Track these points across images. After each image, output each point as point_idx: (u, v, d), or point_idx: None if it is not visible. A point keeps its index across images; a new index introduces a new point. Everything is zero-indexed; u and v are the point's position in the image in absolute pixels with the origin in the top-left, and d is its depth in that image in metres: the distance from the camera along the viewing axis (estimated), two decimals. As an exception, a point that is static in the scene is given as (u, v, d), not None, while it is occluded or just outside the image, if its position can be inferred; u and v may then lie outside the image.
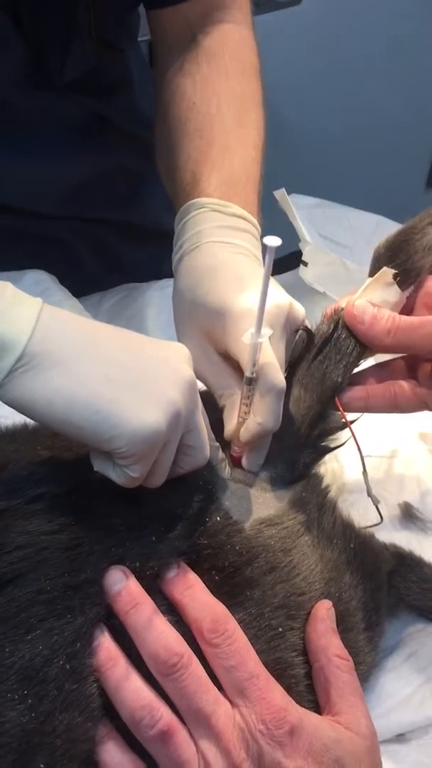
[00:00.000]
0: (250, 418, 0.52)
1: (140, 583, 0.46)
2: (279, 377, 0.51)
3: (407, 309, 0.58)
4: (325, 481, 0.58)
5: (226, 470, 0.54)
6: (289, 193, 0.91)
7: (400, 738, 0.54)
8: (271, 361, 0.51)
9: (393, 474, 0.70)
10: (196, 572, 0.47)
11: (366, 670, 0.53)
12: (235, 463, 0.55)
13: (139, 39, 0.92)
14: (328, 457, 0.65)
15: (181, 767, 0.42)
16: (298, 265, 0.87)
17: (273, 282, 0.50)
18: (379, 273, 0.57)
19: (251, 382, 0.51)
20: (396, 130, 1.93)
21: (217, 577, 0.48)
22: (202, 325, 0.56)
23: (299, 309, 0.56)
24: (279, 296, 0.54)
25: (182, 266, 0.60)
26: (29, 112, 0.79)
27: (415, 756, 0.53)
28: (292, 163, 1.51)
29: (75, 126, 0.84)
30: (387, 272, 0.56)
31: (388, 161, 1.93)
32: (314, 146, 1.86)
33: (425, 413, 0.74)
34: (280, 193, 0.88)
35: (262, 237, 0.65)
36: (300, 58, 1.73)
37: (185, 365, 0.47)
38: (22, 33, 0.72)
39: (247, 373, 0.51)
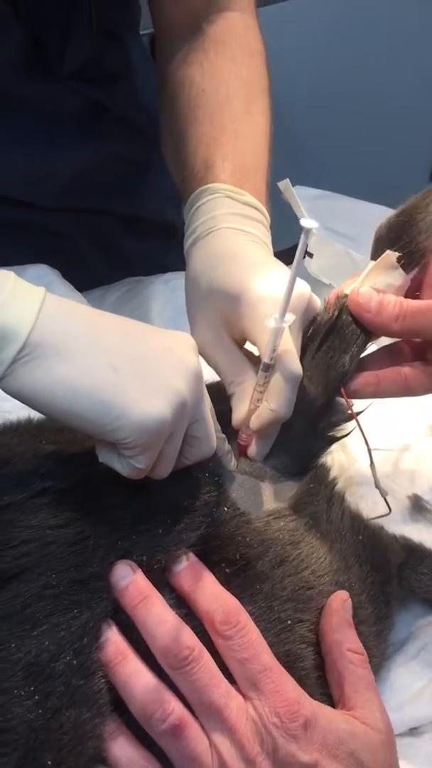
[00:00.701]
0: (263, 405, 0.52)
1: (148, 577, 0.45)
2: (297, 365, 0.51)
3: (413, 290, 0.57)
4: (333, 473, 0.57)
5: (232, 462, 0.53)
6: (292, 184, 0.90)
7: (413, 731, 0.54)
8: (291, 348, 0.51)
9: (403, 467, 0.69)
10: (206, 564, 0.47)
11: (377, 663, 0.53)
12: (241, 453, 0.55)
13: (141, 32, 0.91)
14: (336, 449, 0.64)
15: (194, 761, 0.42)
16: (304, 257, 0.86)
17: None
18: (382, 256, 0.55)
19: (268, 368, 0.50)
20: (398, 120, 1.92)
21: (227, 570, 0.47)
22: (218, 310, 0.55)
23: (316, 300, 0.55)
24: (301, 284, 0.53)
25: (196, 250, 0.60)
26: (29, 101, 0.79)
27: (428, 748, 0.53)
28: (296, 154, 1.50)
29: (75, 115, 0.83)
30: (390, 255, 0.54)
31: (391, 152, 1.92)
32: (317, 137, 1.86)
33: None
34: (284, 184, 0.86)
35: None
36: (303, 49, 1.72)
37: (191, 355, 0.46)
38: (22, 21, 0.72)
39: (266, 359, 0.50)
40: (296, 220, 0.90)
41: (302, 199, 0.92)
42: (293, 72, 1.63)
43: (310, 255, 0.85)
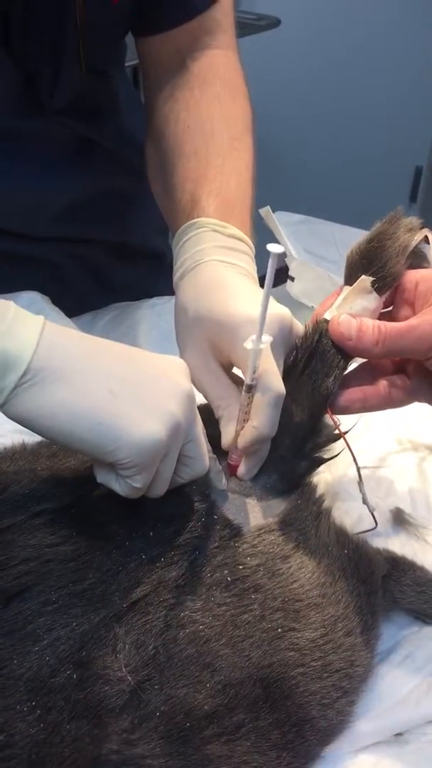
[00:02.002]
0: (248, 424, 0.54)
1: (143, 581, 0.47)
2: (278, 383, 0.53)
3: (385, 305, 0.59)
4: (320, 491, 0.60)
5: (223, 481, 0.55)
6: (274, 210, 0.93)
7: (398, 737, 0.55)
8: (270, 367, 0.53)
9: (383, 481, 0.72)
10: (203, 572, 0.49)
11: (363, 672, 0.54)
12: (232, 473, 0.57)
13: (126, 64, 0.94)
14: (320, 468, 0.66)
15: None
16: (285, 281, 0.89)
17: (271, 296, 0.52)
18: (357, 282, 0.57)
19: (251, 389, 0.53)
20: (379, 146, 1.97)
21: (229, 578, 0.49)
22: (205, 337, 0.57)
23: (298, 323, 0.58)
24: (278, 307, 0.56)
25: (184, 282, 0.62)
26: (19, 136, 0.81)
27: (413, 758, 0.54)
28: (277, 180, 1.53)
29: (65, 149, 0.85)
30: (365, 280, 0.57)
31: (372, 177, 1.96)
32: (298, 164, 1.89)
33: (414, 421, 0.77)
34: (265, 211, 0.90)
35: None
36: (281, 78, 1.76)
37: (184, 378, 0.49)
38: (15, 59, 0.74)
39: (247, 380, 0.52)
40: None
41: (285, 224, 0.96)
42: (276, 99, 1.67)
43: (292, 278, 0.88)
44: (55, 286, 0.87)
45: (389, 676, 0.57)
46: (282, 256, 0.48)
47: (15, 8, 0.71)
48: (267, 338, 0.51)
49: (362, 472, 0.60)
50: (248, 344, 0.51)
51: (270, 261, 0.47)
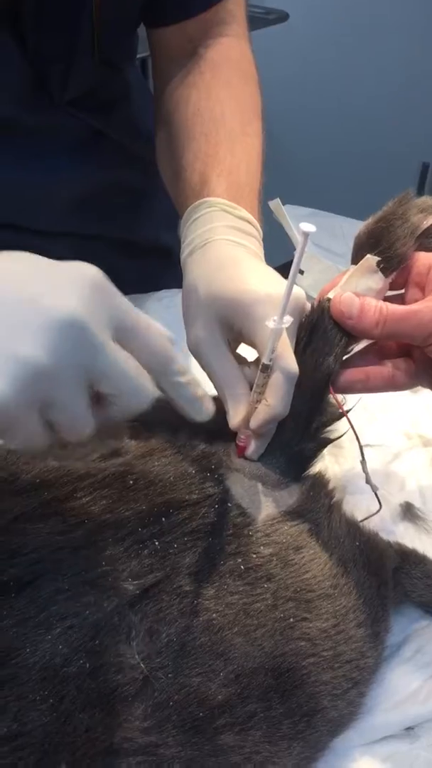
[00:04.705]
0: (262, 403, 0.53)
1: (159, 564, 0.47)
2: (295, 365, 0.53)
3: (398, 286, 0.59)
4: (331, 484, 0.59)
5: (204, 408, 0.49)
6: (283, 204, 0.93)
7: (409, 731, 0.55)
8: (287, 348, 0.53)
9: (394, 475, 0.72)
10: (218, 558, 0.49)
11: (373, 664, 0.54)
12: (240, 454, 0.57)
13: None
14: (330, 459, 0.66)
15: None
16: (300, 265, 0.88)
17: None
18: (362, 261, 0.57)
19: (267, 368, 0.52)
20: (386, 141, 1.96)
21: (242, 567, 0.49)
22: (215, 313, 0.56)
23: (308, 306, 0.57)
24: (297, 289, 0.55)
25: (193, 260, 0.61)
26: (28, 128, 0.81)
27: (425, 755, 0.54)
28: (284, 174, 1.53)
29: (72, 141, 0.85)
30: (371, 260, 0.56)
31: (379, 171, 1.96)
32: (305, 157, 1.89)
33: (426, 416, 0.77)
34: (275, 203, 0.90)
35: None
36: (288, 72, 1.76)
37: (72, 295, 0.38)
38: (26, 53, 0.74)
39: (265, 360, 0.52)
40: (287, 238, 0.93)
41: (293, 217, 0.95)
42: (285, 94, 1.67)
43: (301, 272, 0.87)
44: None
45: (399, 669, 0.57)
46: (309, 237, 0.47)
47: (29, 3, 0.70)
48: (288, 319, 0.51)
49: (373, 467, 0.60)
50: (270, 324, 0.50)
51: (301, 240, 0.46)
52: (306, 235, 0.46)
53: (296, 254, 0.47)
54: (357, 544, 0.56)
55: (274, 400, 0.53)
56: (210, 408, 0.49)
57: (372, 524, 0.60)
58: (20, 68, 0.75)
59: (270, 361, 0.52)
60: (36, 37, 0.73)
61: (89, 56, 0.76)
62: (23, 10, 0.71)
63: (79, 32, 0.74)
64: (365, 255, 0.56)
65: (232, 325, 0.56)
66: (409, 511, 0.68)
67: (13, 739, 0.41)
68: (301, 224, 0.46)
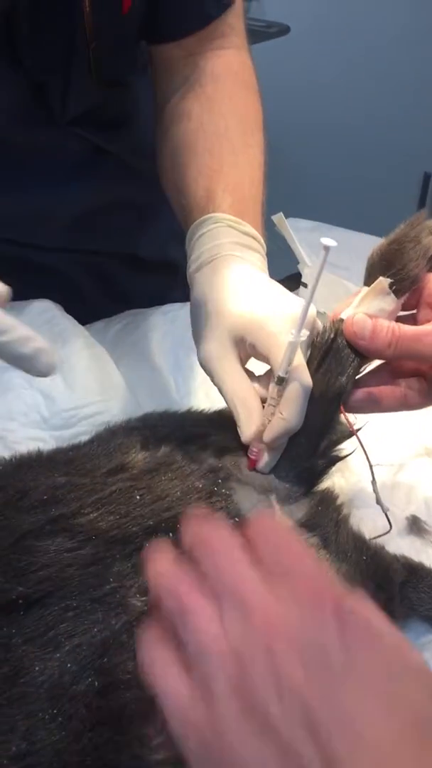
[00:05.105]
0: (276, 416, 0.54)
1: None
2: (308, 377, 0.54)
3: (410, 307, 0.59)
4: (340, 499, 0.60)
5: (38, 365, 0.46)
6: (286, 217, 0.93)
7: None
8: (302, 361, 0.54)
9: (400, 488, 0.72)
10: None
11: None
12: (251, 467, 0.57)
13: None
14: (336, 473, 0.66)
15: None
16: (299, 287, 0.89)
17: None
18: (375, 283, 0.57)
19: (282, 381, 0.53)
20: (388, 153, 1.97)
21: None
22: (226, 328, 0.57)
23: (319, 322, 0.58)
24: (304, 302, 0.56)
25: (200, 276, 0.62)
26: (30, 147, 0.80)
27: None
28: (286, 187, 1.54)
29: (75, 159, 0.85)
30: (383, 281, 0.57)
31: (381, 183, 1.97)
32: (306, 170, 1.90)
33: (430, 428, 0.77)
34: (278, 218, 0.90)
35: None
36: (290, 85, 1.77)
37: None
38: (25, 71, 0.73)
39: (281, 373, 0.53)
40: (289, 251, 0.93)
41: (296, 231, 0.96)
42: (287, 107, 1.67)
43: (305, 285, 0.88)
44: (65, 294, 0.86)
45: (407, 683, 0.57)
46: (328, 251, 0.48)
47: (20, 22, 0.70)
48: (305, 332, 0.52)
49: (379, 479, 0.60)
50: (289, 337, 0.52)
51: (322, 253, 0.47)
52: (327, 249, 0.47)
53: (317, 270, 0.48)
54: (364, 558, 0.56)
55: (289, 412, 0.53)
56: (51, 362, 0.46)
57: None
58: (17, 89, 0.74)
59: (286, 373, 0.53)
60: (31, 57, 0.72)
61: (87, 74, 0.76)
62: (15, 28, 0.70)
63: (74, 50, 0.74)
64: (378, 277, 0.57)
65: (244, 340, 0.56)
66: (415, 525, 0.68)
67: (23, 759, 0.41)
68: (322, 239, 0.47)
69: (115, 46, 0.77)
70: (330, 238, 0.50)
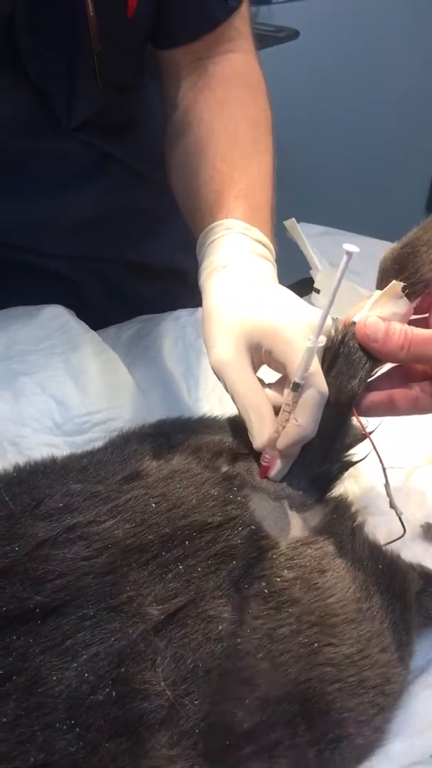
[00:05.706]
0: (291, 422, 0.53)
1: (183, 589, 0.47)
2: (325, 385, 0.54)
3: (422, 310, 0.59)
4: (354, 507, 0.59)
5: None
6: (297, 222, 0.93)
7: (434, 757, 0.55)
8: (318, 369, 0.54)
9: (413, 492, 0.71)
10: (240, 582, 0.49)
11: (398, 688, 0.54)
12: (263, 474, 0.57)
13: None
14: (350, 481, 0.66)
15: None
16: (310, 292, 0.89)
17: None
18: (388, 286, 0.57)
19: (298, 387, 0.53)
20: (395, 156, 1.97)
21: (266, 590, 0.49)
22: (241, 335, 0.57)
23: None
24: (318, 309, 0.56)
25: (213, 282, 0.62)
26: (34, 153, 0.80)
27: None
28: (295, 191, 1.54)
29: (81, 165, 0.84)
30: (396, 285, 0.56)
31: (389, 187, 1.97)
32: (315, 175, 1.90)
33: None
34: (290, 223, 0.90)
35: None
36: (299, 89, 1.77)
37: None
38: (26, 81, 0.73)
39: (297, 379, 0.53)
40: (297, 256, 0.93)
41: (307, 236, 0.96)
42: (296, 111, 1.67)
43: (317, 290, 0.88)
44: (71, 300, 0.85)
45: (423, 694, 0.57)
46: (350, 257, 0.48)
47: (23, 29, 0.70)
48: (322, 338, 0.52)
49: (392, 484, 0.60)
50: (307, 343, 0.52)
51: (344, 259, 0.47)
52: (350, 254, 0.46)
53: (338, 276, 0.48)
54: (380, 566, 0.56)
55: (305, 419, 0.53)
56: None
57: (393, 545, 0.60)
58: (22, 96, 0.74)
59: (302, 380, 0.52)
60: (34, 62, 0.72)
61: (93, 79, 0.75)
62: (18, 36, 0.70)
63: (79, 55, 0.73)
64: (390, 280, 0.57)
65: (260, 346, 0.56)
66: (429, 532, 0.67)
67: (40, 769, 0.41)
68: (345, 244, 0.47)
69: (120, 51, 0.77)
70: (344, 243, 0.50)
